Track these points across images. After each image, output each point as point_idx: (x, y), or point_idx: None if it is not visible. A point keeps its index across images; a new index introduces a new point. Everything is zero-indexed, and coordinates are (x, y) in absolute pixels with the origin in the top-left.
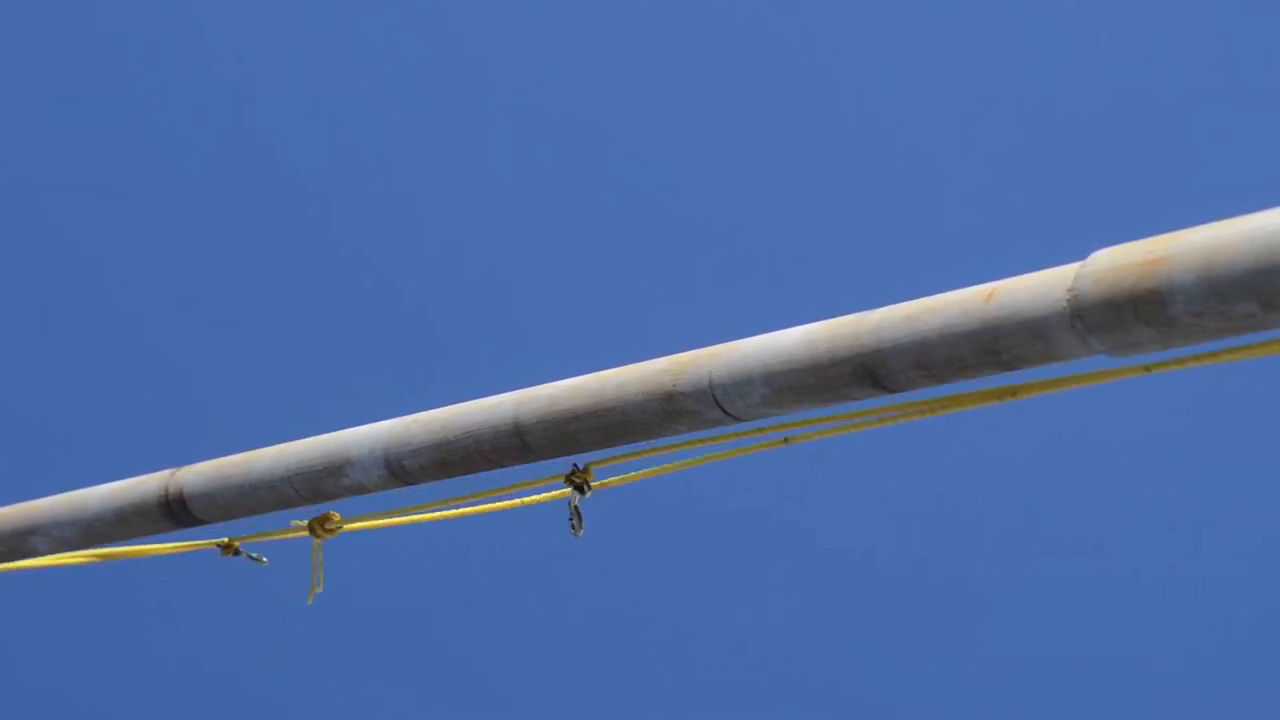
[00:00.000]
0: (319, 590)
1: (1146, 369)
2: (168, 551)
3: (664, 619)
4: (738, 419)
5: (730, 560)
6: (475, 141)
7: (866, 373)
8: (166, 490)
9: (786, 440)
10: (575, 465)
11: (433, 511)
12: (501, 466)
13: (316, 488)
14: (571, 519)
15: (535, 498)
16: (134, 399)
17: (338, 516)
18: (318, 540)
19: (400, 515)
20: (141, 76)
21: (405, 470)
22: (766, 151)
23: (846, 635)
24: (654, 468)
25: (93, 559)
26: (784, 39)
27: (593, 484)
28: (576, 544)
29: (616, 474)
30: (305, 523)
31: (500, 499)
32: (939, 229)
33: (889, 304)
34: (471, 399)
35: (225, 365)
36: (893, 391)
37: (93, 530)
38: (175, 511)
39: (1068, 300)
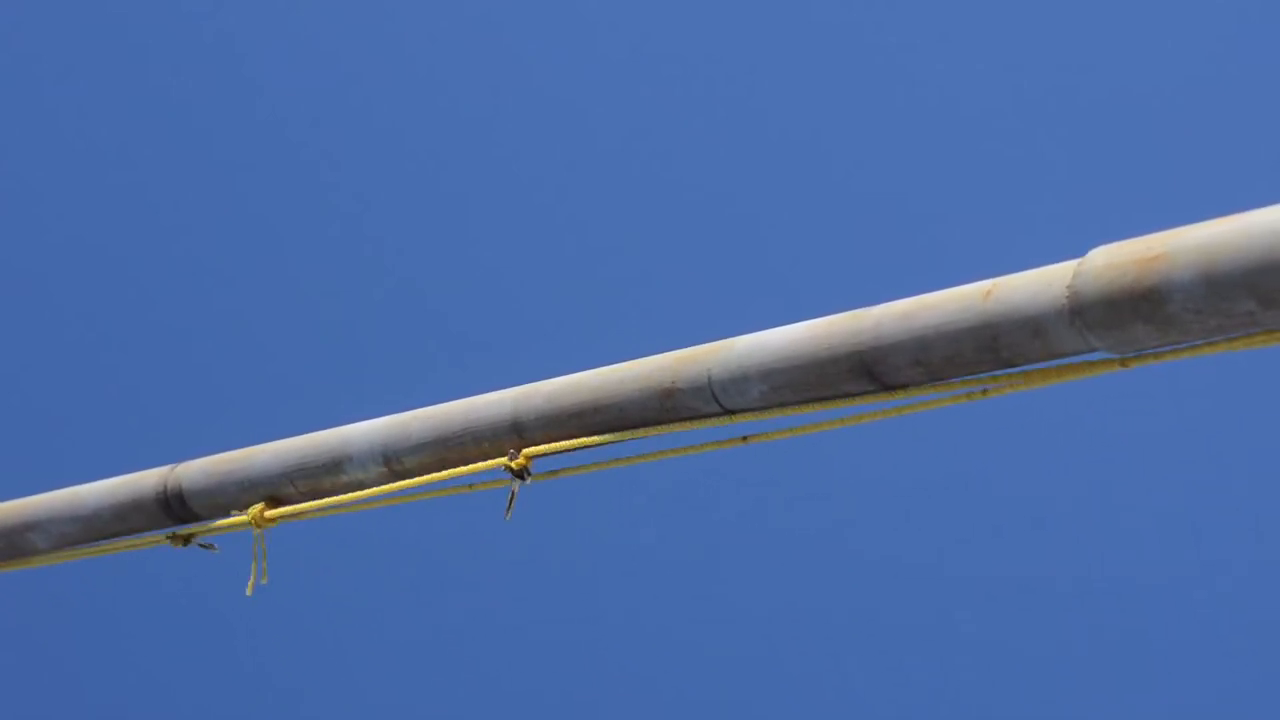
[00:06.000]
0: (264, 582)
1: (1123, 363)
2: (123, 549)
3: (652, 614)
4: (736, 415)
5: (724, 558)
6: (475, 139)
7: (865, 369)
8: (165, 486)
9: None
10: (511, 452)
11: (374, 501)
12: None
13: (315, 484)
14: (509, 504)
15: (475, 483)
16: (133, 395)
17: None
18: (258, 531)
19: (338, 501)
20: (143, 62)
21: (404, 466)
22: (764, 149)
23: (844, 632)
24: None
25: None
26: (782, 37)
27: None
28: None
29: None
30: (245, 514)
31: (442, 485)
32: (938, 226)
33: (888, 301)
34: (471, 395)
35: (224, 361)
36: (891, 388)
37: (91, 526)
38: (174, 507)
39: (1067, 297)
